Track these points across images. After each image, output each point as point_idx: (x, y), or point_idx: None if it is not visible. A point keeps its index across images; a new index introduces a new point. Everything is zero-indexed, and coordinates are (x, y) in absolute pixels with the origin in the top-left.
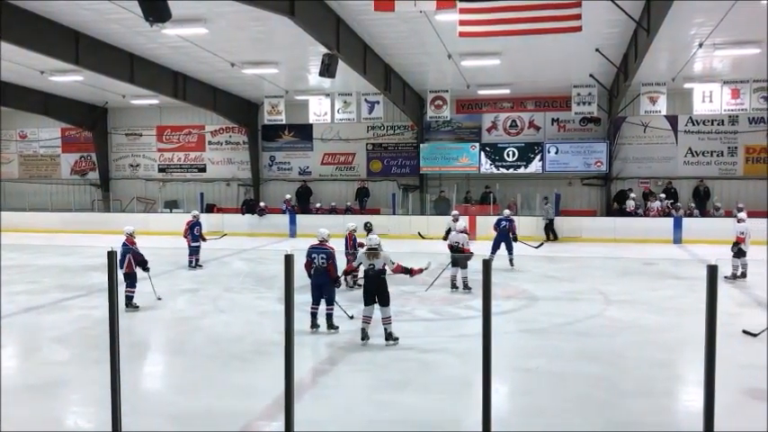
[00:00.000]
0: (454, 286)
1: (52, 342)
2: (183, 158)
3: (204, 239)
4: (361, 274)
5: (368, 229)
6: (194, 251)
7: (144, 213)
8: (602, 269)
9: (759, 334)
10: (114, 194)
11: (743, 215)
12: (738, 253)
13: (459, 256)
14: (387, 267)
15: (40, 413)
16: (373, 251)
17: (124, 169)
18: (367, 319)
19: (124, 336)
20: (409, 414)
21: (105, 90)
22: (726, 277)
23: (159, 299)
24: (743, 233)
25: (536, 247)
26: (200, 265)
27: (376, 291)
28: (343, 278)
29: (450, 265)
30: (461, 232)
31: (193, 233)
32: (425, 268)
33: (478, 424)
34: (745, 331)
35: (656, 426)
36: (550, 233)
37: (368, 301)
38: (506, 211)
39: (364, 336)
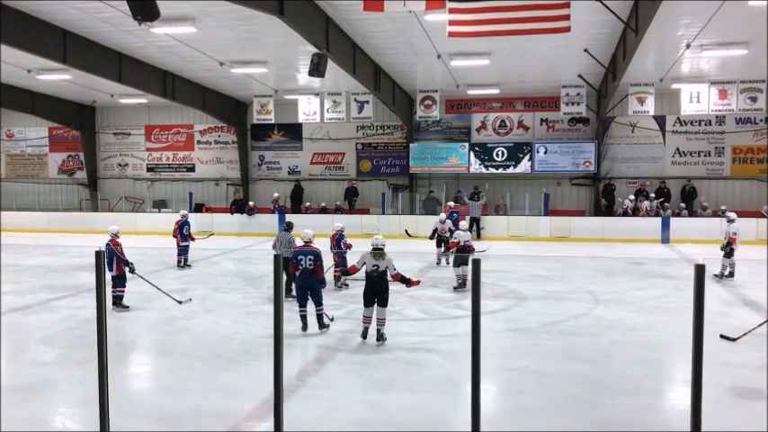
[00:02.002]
0: (461, 285)
1: (39, 342)
2: (172, 158)
3: (193, 239)
4: (358, 275)
5: (287, 229)
6: (183, 251)
7: (132, 213)
8: (590, 269)
9: (738, 339)
10: (102, 194)
11: (733, 215)
12: (729, 253)
13: (465, 256)
14: (388, 270)
15: (27, 414)
16: (379, 251)
17: (112, 168)
18: (367, 320)
19: (111, 336)
20: (398, 414)
21: (93, 89)
22: (714, 275)
23: (183, 301)
24: (735, 233)
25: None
26: (189, 265)
27: (378, 292)
28: (342, 279)
29: (453, 264)
30: (466, 231)
31: (182, 233)
32: (421, 281)
33: (467, 424)
34: (722, 336)
35: (644, 425)
36: (474, 231)
37: (369, 302)
38: (450, 204)
39: (365, 335)
